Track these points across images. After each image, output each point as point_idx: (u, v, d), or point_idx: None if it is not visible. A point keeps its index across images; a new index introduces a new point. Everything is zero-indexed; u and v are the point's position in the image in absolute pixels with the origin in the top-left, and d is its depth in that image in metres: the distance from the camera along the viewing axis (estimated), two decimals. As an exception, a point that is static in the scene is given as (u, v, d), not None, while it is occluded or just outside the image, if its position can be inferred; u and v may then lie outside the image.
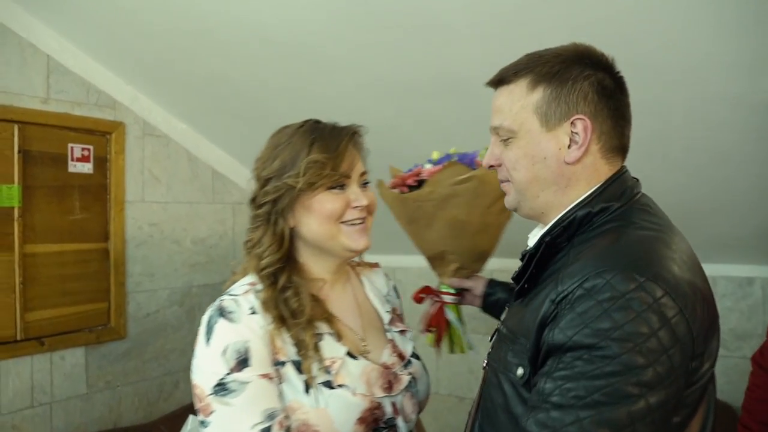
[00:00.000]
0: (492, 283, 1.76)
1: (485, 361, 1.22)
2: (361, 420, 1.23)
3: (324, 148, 1.28)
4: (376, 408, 1.27)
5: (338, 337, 1.29)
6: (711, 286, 1.06)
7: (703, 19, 1.65)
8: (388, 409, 1.30)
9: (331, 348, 1.26)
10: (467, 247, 1.72)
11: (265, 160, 1.32)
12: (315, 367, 1.22)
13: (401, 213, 1.75)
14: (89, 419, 2.45)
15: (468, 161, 1.66)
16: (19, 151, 2.26)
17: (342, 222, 1.30)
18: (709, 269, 1.48)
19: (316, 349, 1.24)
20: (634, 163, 2.18)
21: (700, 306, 0.96)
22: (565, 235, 1.10)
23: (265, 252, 1.28)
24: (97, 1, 2.14)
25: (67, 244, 2.41)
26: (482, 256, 1.77)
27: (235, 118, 2.76)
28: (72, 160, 2.43)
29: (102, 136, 2.53)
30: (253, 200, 1.32)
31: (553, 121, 1.10)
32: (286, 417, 1.19)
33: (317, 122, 1.37)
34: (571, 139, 1.10)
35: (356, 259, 1.46)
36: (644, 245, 1.01)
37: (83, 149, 2.46)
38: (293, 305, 1.25)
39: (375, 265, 1.54)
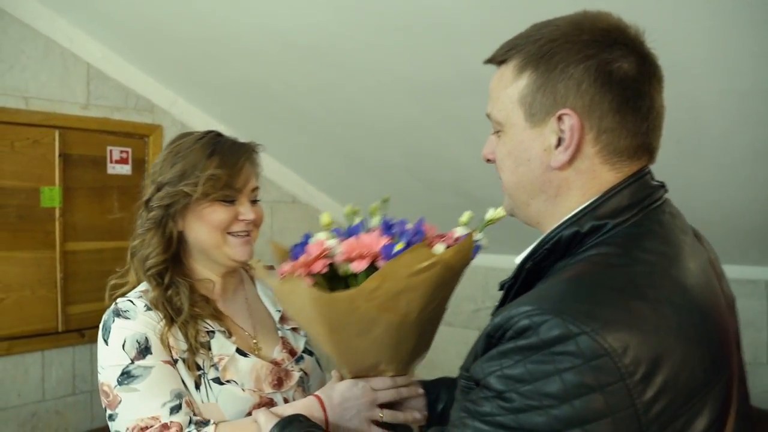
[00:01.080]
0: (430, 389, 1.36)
1: None
2: (249, 415, 1.26)
3: (222, 162, 1.31)
4: (267, 403, 1.30)
5: (228, 334, 1.33)
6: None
7: (728, 10, 1.57)
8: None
9: (220, 345, 1.31)
10: (409, 351, 1.28)
11: (162, 166, 1.35)
12: (206, 364, 1.27)
13: (320, 317, 1.20)
14: (128, 407, 2.60)
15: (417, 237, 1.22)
16: (60, 155, 2.41)
17: (228, 233, 1.34)
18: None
19: (207, 346, 1.28)
20: (665, 160, 2.09)
21: (671, 373, 0.75)
22: (551, 258, 0.89)
23: (152, 253, 1.33)
24: (136, 11, 2.25)
25: (106, 241, 2.55)
26: (423, 354, 1.33)
27: (269, 118, 2.84)
28: (111, 162, 2.57)
29: (140, 138, 2.66)
30: (147, 202, 1.36)
31: (538, 116, 0.88)
32: (192, 400, 1.24)
33: (219, 135, 1.39)
34: (559, 139, 0.87)
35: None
36: (616, 283, 0.79)
37: (122, 152, 2.59)
38: (176, 303, 1.29)
39: (270, 268, 1.47)
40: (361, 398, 1.22)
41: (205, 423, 1.23)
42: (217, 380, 1.28)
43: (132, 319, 1.27)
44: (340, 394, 1.22)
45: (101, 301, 2.50)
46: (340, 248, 1.17)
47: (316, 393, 1.25)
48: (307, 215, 3.39)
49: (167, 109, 2.75)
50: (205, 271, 1.40)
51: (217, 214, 1.32)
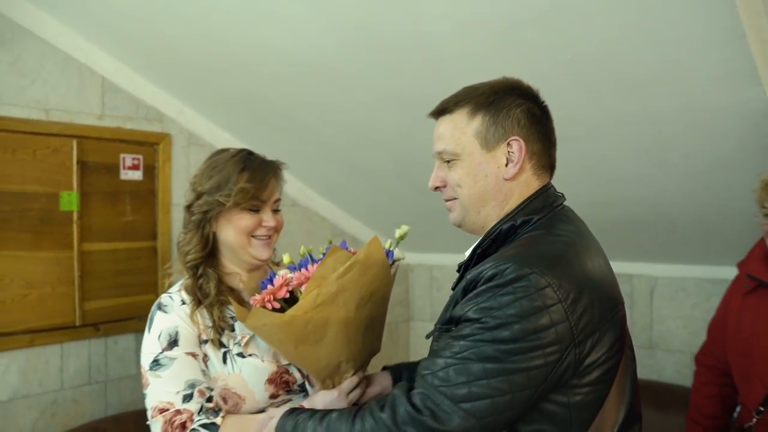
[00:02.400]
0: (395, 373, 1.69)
1: None
2: (270, 381, 1.54)
3: (251, 177, 1.58)
4: (284, 372, 1.58)
5: None
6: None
7: (692, 34, 1.76)
8: (298, 375, 1.60)
9: (242, 327, 1.56)
10: (360, 349, 1.51)
11: (201, 177, 1.62)
12: (230, 342, 1.54)
13: (287, 337, 1.44)
14: (138, 397, 2.76)
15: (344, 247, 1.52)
16: (77, 162, 2.59)
17: (253, 236, 1.61)
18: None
19: (231, 328, 1.56)
20: (636, 170, 2.35)
21: (588, 300, 1.12)
22: (494, 246, 1.25)
23: (192, 249, 1.60)
24: (147, 29, 2.42)
25: (120, 242, 2.73)
26: (374, 351, 1.59)
27: (270, 128, 3.02)
28: (124, 168, 2.75)
29: (150, 146, 2.84)
30: (188, 208, 1.63)
31: (492, 143, 1.25)
32: (208, 388, 1.48)
33: (250, 153, 1.66)
34: (507, 159, 1.25)
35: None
36: (549, 246, 1.17)
37: (134, 159, 2.78)
38: (205, 289, 1.57)
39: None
40: (338, 403, 1.46)
41: (216, 412, 1.47)
42: (240, 354, 1.54)
43: (169, 313, 1.55)
44: (321, 402, 1.47)
45: (115, 298, 2.73)
46: (294, 279, 1.47)
47: (302, 403, 1.52)
48: (305, 217, 3.57)
49: (175, 118, 2.92)
50: (234, 267, 1.67)
51: (244, 220, 1.60)
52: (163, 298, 1.59)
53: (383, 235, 3.95)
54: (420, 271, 4.21)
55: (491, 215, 1.29)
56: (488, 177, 1.26)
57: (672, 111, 2.09)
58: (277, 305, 1.45)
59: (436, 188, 1.34)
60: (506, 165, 1.25)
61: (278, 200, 1.68)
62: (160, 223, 2.84)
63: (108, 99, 2.71)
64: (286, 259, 1.59)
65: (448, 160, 1.29)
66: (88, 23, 2.53)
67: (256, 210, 1.61)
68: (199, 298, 1.57)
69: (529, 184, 1.28)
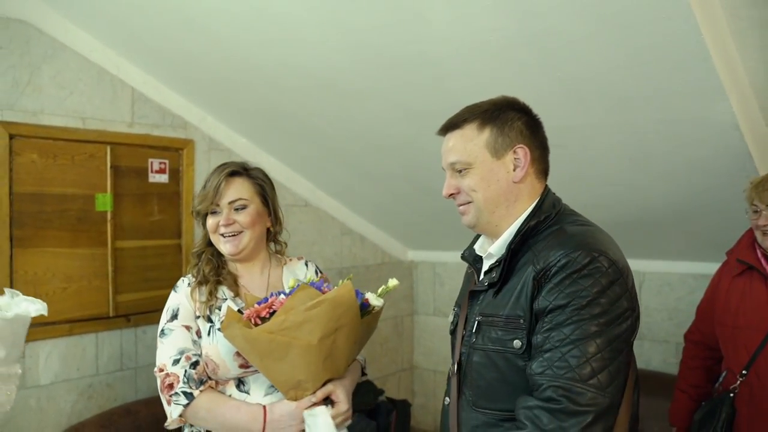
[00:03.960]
0: None
1: (460, 350, 1.54)
2: (238, 354, 1.79)
3: (205, 185, 1.94)
4: None
5: (239, 298, 1.91)
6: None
7: (666, 57, 1.98)
8: None
9: (228, 305, 1.85)
10: (321, 370, 1.72)
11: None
12: (216, 320, 1.84)
13: (251, 349, 1.69)
14: (166, 382, 3.01)
15: (317, 287, 1.76)
16: (111, 167, 2.81)
17: (220, 234, 1.91)
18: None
19: (218, 307, 1.87)
20: (622, 174, 2.57)
21: (629, 275, 1.36)
22: (523, 240, 1.43)
23: (198, 242, 2.00)
24: (173, 44, 2.64)
25: (148, 240, 2.96)
26: (336, 375, 1.78)
27: (285, 134, 3.25)
28: (151, 172, 2.98)
29: (175, 151, 3.07)
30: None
31: (500, 152, 1.45)
32: (195, 354, 1.82)
33: (220, 166, 1.98)
34: (515, 164, 1.45)
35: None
36: (585, 233, 1.39)
37: (160, 163, 3.01)
38: (203, 271, 1.91)
39: (299, 259, 2.14)
40: (294, 418, 1.74)
41: (199, 382, 1.80)
42: (220, 330, 1.81)
43: (177, 292, 1.93)
44: (279, 411, 1.76)
45: (144, 291, 2.97)
46: (277, 304, 1.73)
47: (265, 404, 1.79)
48: (317, 217, 3.80)
49: (198, 125, 3.15)
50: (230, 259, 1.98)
51: (209, 221, 1.93)
52: (178, 281, 1.97)
53: (389, 233, 4.19)
54: (423, 268, 4.44)
55: (503, 215, 1.48)
56: (500, 181, 1.46)
57: (652, 122, 2.32)
58: (260, 322, 1.71)
59: (450, 195, 1.54)
60: (514, 170, 1.46)
61: (237, 200, 1.91)
62: (184, 222, 3.06)
63: (137, 108, 2.93)
64: (291, 282, 1.85)
65: (461, 169, 1.48)
66: (120, 39, 2.75)
67: (214, 212, 1.92)
68: (197, 278, 1.92)
69: (533, 186, 1.49)
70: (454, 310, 1.70)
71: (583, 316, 1.26)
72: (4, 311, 1.54)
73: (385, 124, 2.85)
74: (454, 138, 1.50)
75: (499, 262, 1.48)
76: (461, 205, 1.52)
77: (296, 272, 2.07)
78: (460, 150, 1.48)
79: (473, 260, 1.62)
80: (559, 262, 1.32)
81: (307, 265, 2.13)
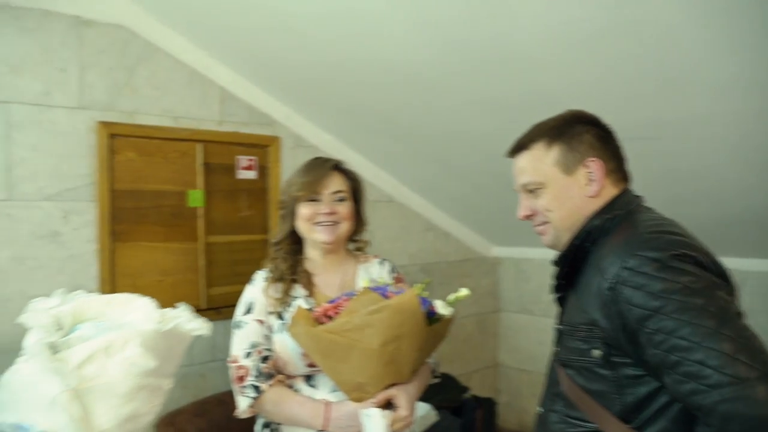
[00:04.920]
0: None
1: (553, 360, 1.51)
2: (304, 355, 1.81)
3: (307, 175, 1.95)
4: None
5: (312, 299, 1.92)
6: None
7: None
8: None
9: (300, 304, 1.88)
10: (383, 374, 1.71)
11: (286, 181, 2.04)
12: (287, 317, 1.86)
13: (314, 348, 1.73)
14: (255, 374, 3.08)
15: (380, 292, 1.74)
16: (202, 164, 2.91)
17: (314, 223, 1.93)
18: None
19: (288, 304, 1.90)
20: (719, 167, 2.43)
21: (704, 254, 1.23)
22: (589, 239, 1.38)
23: (277, 236, 2.01)
24: (260, 43, 2.69)
25: (237, 235, 3.04)
26: (399, 381, 1.76)
27: (368, 130, 3.26)
28: (239, 168, 3.05)
29: (262, 148, 3.14)
30: (278, 205, 2.04)
31: (571, 168, 1.41)
32: (267, 349, 1.85)
33: (315, 159, 2.03)
34: (588, 178, 1.41)
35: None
36: (650, 227, 1.29)
37: (248, 160, 3.08)
38: (280, 268, 1.94)
39: (374, 257, 2.13)
40: (354, 418, 1.75)
41: (268, 377, 1.84)
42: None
43: (253, 286, 1.98)
44: (341, 410, 1.78)
45: (234, 285, 3.04)
46: (344, 304, 1.74)
47: (329, 401, 1.82)
48: (401, 213, 3.80)
49: (284, 123, 3.20)
50: (312, 252, 2.02)
51: (304, 209, 1.95)
52: (255, 274, 2.03)
53: (472, 229, 4.15)
54: (508, 264, 4.37)
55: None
56: (573, 198, 1.42)
57: (753, 112, 2.18)
58: (327, 321, 1.74)
59: (526, 217, 1.51)
60: (587, 184, 1.41)
61: (338, 192, 1.98)
62: (271, 217, 3.13)
63: (226, 107, 3.01)
64: (365, 282, 1.89)
65: (533, 189, 1.45)
66: (210, 40, 2.83)
67: (314, 200, 1.94)
68: (274, 275, 1.96)
69: (610, 196, 1.42)
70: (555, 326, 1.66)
71: (691, 314, 1.12)
72: (164, 324, 1.59)
73: (469, 118, 2.81)
74: (523, 159, 1.48)
75: (559, 258, 1.46)
76: (538, 225, 1.50)
77: (370, 271, 2.07)
78: (531, 170, 1.45)
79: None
80: (633, 262, 1.21)
81: (382, 263, 2.13)
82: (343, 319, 1.68)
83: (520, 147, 1.49)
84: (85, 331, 1.42)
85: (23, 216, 2.42)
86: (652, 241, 1.23)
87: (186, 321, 1.55)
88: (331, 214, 1.94)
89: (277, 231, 2.06)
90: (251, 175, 3.09)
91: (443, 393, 3.42)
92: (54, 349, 1.35)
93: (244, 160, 3.07)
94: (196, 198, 2.88)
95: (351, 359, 1.67)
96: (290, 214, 1.98)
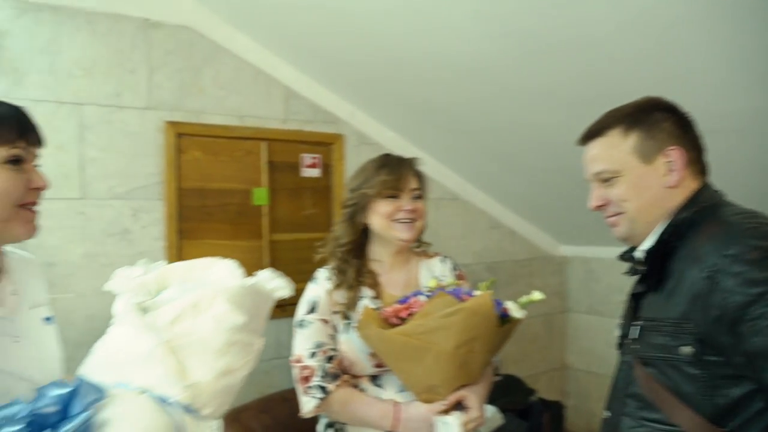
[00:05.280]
0: None
1: (622, 359, 1.45)
2: (372, 355, 1.80)
3: (389, 171, 1.89)
4: None
5: (378, 299, 1.89)
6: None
7: None
8: None
9: (366, 304, 1.85)
10: (455, 377, 1.70)
11: (352, 179, 1.99)
12: (353, 317, 1.83)
13: (386, 350, 1.73)
14: (318, 372, 3.09)
15: (455, 294, 1.72)
16: (267, 162, 2.94)
17: (393, 220, 1.89)
18: None
19: (355, 305, 1.86)
20: None
21: None
22: (676, 233, 1.32)
23: (343, 236, 1.95)
24: (323, 41, 2.69)
25: (301, 233, 3.05)
26: (471, 382, 1.77)
27: (432, 127, 3.22)
28: (304, 166, 3.06)
29: (326, 146, 3.14)
30: (343, 204, 1.98)
31: (650, 156, 1.35)
32: (332, 349, 1.82)
33: (388, 155, 1.99)
34: (668, 168, 1.34)
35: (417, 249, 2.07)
36: (744, 217, 1.26)
37: (312, 158, 3.09)
38: (347, 273, 1.90)
39: (436, 255, 2.09)
40: (424, 420, 1.73)
41: (334, 377, 1.81)
42: (356, 328, 1.80)
43: (316, 284, 1.95)
44: (411, 411, 1.76)
45: (297, 283, 3.02)
46: (416, 305, 1.73)
47: (399, 403, 1.79)
48: (465, 211, 3.74)
49: (348, 120, 3.20)
50: (380, 252, 1.98)
51: (385, 206, 1.90)
52: (317, 272, 2.01)
53: (539, 227, 4.05)
54: (576, 264, 4.25)
55: (660, 224, 1.36)
56: (652, 188, 1.35)
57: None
58: (398, 322, 1.72)
59: (598, 207, 1.44)
60: (667, 174, 1.34)
61: (415, 189, 1.95)
62: (335, 215, 3.12)
63: (290, 105, 3.03)
64: (431, 283, 1.85)
65: (608, 178, 1.39)
66: (275, 39, 2.84)
67: (394, 197, 1.90)
68: (339, 281, 1.92)
69: (690, 189, 1.36)
70: (620, 322, 1.58)
71: None
72: (246, 282, 1.58)
73: (536, 112, 2.73)
74: (597, 146, 1.42)
75: (648, 254, 1.38)
76: (611, 216, 1.43)
77: (433, 269, 2.04)
78: (606, 158, 1.39)
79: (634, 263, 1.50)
80: (734, 249, 1.18)
81: (444, 261, 2.09)
82: (417, 322, 1.67)
83: (593, 134, 1.43)
84: (171, 292, 1.43)
85: (95, 214, 2.49)
86: (751, 230, 1.20)
87: (268, 280, 1.54)
88: (412, 211, 1.92)
89: (339, 230, 2.00)
90: (315, 173, 3.10)
91: (509, 395, 3.35)
92: (143, 311, 1.37)
93: (308, 158, 3.08)
94: (260, 196, 2.90)
95: (424, 361, 1.66)
96: (360, 212, 1.94)
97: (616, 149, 1.37)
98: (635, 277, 1.51)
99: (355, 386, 1.86)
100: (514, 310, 1.74)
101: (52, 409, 1.07)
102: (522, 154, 3.22)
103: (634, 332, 1.40)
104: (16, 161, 1.15)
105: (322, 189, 3.13)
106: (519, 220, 4.01)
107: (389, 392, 1.83)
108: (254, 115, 2.91)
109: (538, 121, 2.81)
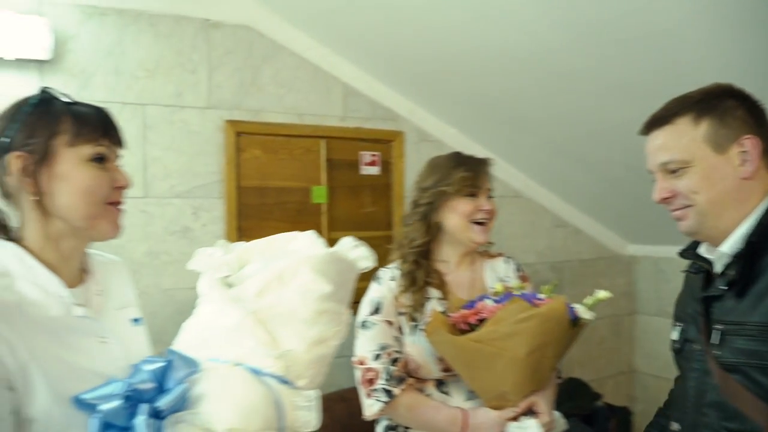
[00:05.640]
0: None
1: (694, 367, 1.36)
2: (440, 359, 1.75)
3: (468, 168, 1.84)
4: None
5: (445, 300, 1.83)
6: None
7: None
8: None
9: (432, 307, 1.79)
10: (526, 383, 1.67)
11: (424, 176, 1.92)
12: (421, 318, 1.78)
13: (456, 356, 1.70)
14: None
15: (528, 299, 1.68)
16: (325, 160, 2.92)
17: (471, 220, 1.84)
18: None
19: (423, 307, 1.80)
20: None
21: None
22: (765, 234, 1.24)
23: (417, 237, 1.87)
24: (382, 37, 2.66)
25: (361, 231, 3.00)
26: (540, 389, 1.72)
27: (494, 122, 3.15)
28: (363, 164, 3.04)
29: (386, 143, 3.11)
30: (415, 202, 1.90)
31: (723, 146, 1.27)
32: (397, 351, 1.77)
33: (459, 153, 1.93)
34: (742, 158, 1.26)
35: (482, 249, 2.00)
36: None
37: (371, 155, 3.06)
38: (416, 277, 1.83)
39: (499, 255, 2.02)
40: (495, 427, 1.68)
41: (399, 381, 1.76)
42: (424, 330, 1.77)
43: (380, 284, 1.88)
44: (481, 418, 1.71)
45: (358, 281, 3.01)
46: (486, 311, 1.69)
47: (466, 409, 1.74)
48: (529, 209, 3.64)
49: (407, 117, 3.16)
50: (449, 253, 1.92)
51: (464, 205, 1.84)
52: (380, 270, 1.92)
53: (606, 225, 3.92)
54: (645, 264, 4.08)
55: (734, 217, 1.28)
56: (726, 179, 1.27)
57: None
58: (467, 327, 1.69)
59: (663, 200, 1.35)
60: (741, 165, 1.26)
61: (490, 189, 1.91)
62: (395, 213, 3.09)
63: (349, 102, 3.01)
64: (498, 287, 1.80)
65: (676, 169, 1.30)
66: (333, 36, 2.83)
67: (473, 196, 1.85)
68: (407, 282, 1.86)
69: (764, 180, 1.28)
70: (677, 325, 1.50)
71: None
72: (329, 250, 1.55)
73: (602, 105, 2.62)
74: (663, 134, 1.33)
75: (736, 257, 1.28)
76: (678, 209, 1.34)
77: (497, 270, 1.99)
78: (674, 147, 1.30)
79: (699, 263, 1.42)
80: None
81: (507, 262, 2.04)
82: (490, 328, 1.64)
83: (659, 122, 1.35)
84: (254, 266, 1.42)
85: (157, 213, 2.53)
86: None
87: (350, 248, 1.51)
88: (489, 211, 1.88)
89: (412, 230, 1.91)
90: (374, 170, 3.07)
91: (574, 399, 3.25)
92: (228, 286, 1.36)
93: (367, 155, 3.05)
94: (319, 194, 2.90)
95: (495, 368, 1.63)
96: (435, 211, 1.88)
97: (686, 138, 1.29)
98: (697, 278, 1.43)
99: (420, 391, 1.82)
100: (584, 312, 1.70)
101: (149, 386, 1.07)
102: (588, 149, 3.11)
103: (715, 337, 1.31)
104: (100, 159, 1.17)
105: (382, 187, 3.10)
106: (584, 217, 3.88)
107: (456, 399, 1.79)
108: (313, 113, 2.90)
109: (606, 114, 2.70)
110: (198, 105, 2.61)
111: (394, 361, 1.78)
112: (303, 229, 2.79)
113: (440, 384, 1.81)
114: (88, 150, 1.15)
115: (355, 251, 1.50)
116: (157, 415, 1.05)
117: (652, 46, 2.14)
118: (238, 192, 2.68)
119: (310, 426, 1.22)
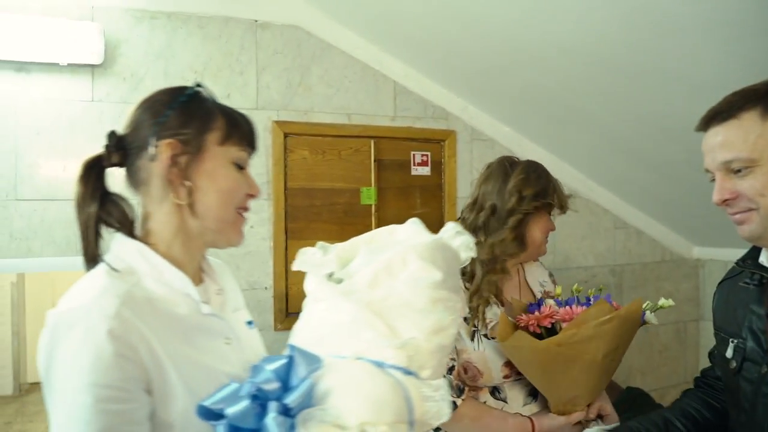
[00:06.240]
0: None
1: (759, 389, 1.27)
2: (506, 364, 1.68)
3: (561, 187, 1.83)
4: None
5: (501, 305, 1.75)
6: None
7: None
8: None
9: (493, 313, 1.71)
10: (597, 386, 1.67)
11: (526, 182, 1.77)
12: (480, 324, 1.70)
13: (535, 361, 1.64)
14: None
15: (609, 300, 1.65)
16: (375, 160, 2.87)
17: (545, 237, 1.79)
18: None
19: (483, 313, 1.71)
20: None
21: None
22: None
23: (507, 246, 1.74)
24: (433, 33, 2.59)
25: (411, 233, 2.97)
26: (601, 391, 1.72)
27: (549, 120, 3.03)
28: (413, 165, 2.98)
29: (437, 143, 3.04)
30: (510, 210, 1.76)
31: None
32: (452, 359, 1.68)
33: (532, 162, 1.86)
34: None
35: None
36: None
37: (422, 155, 2.99)
38: (483, 288, 1.74)
39: (535, 260, 1.96)
40: (563, 429, 1.64)
41: (459, 390, 1.68)
42: (486, 336, 1.71)
43: None
44: (548, 425, 1.65)
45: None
46: (560, 313, 1.66)
47: (531, 416, 1.69)
48: (587, 210, 3.50)
49: (459, 116, 3.08)
50: (511, 263, 1.81)
51: (547, 222, 1.80)
52: None
53: (670, 227, 3.74)
54: (713, 267, 3.88)
55: None
56: None
57: None
58: (538, 330, 1.64)
59: (724, 202, 1.24)
60: None
61: None
62: (447, 215, 3.02)
63: (399, 101, 2.95)
64: (558, 290, 1.79)
65: (739, 168, 1.19)
66: (382, 34, 2.78)
67: (551, 212, 1.82)
68: (479, 289, 1.73)
69: None
70: (731, 342, 1.36)
71: None
72: (433, 238, 1.50)
73: (665, 102, 2.48)
74: (726, 130, 1.21)
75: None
76: (738, 213, 1.22)
77: (534, 273, 1.95)
78: (739, 145, 1.18)
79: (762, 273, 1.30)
80: None
81: (540, 266, 2.02)
82: (572, 331, 1.59)
83: (720, 116, 1.23)
84: (359, 261, 1.38)
85: (205, 214, 2.53)
86: None
87: (452, 237, 1.46)
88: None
89: (507, 240, 1.76)
90: (425, 171, 3.01)
91: (634, 410, 3.09)
92: (336, 282, 1.33)
93: (418, 155, 2.99)
94: (369, 195, 2.85)
95: (571, 371, 1.60)
96: (527, 222, 1.76)
97: (753, 134, 1.17)
98: (749, 288, 1.33)
99: (475, 399, 1.74)
100: (650, 315, 1.67)
101: (274, 385, 1.02)
102: (651, 147, 2.96)
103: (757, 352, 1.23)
104: (239, 164, 1.14)
105: (433, 187, 3.03)
106: (647, 219, 3.72)
107: (513, 405, 1.73)
108: (362, 112, 2.86)
109: (670, 110, 2.55)
110: (246, 106, 2.59)
111: (450, 370, 1.69)
112: (351, 231, 2.79)
113: (495, 391, 1.74)
114: (234, 152, 1.12)
115: (457, 240, 1.43)
116: (285, 413, 1.00)
117: (718, 37, 2.00)
118: (286, 193, 2.66)
119: (443, 416, 1.15)
